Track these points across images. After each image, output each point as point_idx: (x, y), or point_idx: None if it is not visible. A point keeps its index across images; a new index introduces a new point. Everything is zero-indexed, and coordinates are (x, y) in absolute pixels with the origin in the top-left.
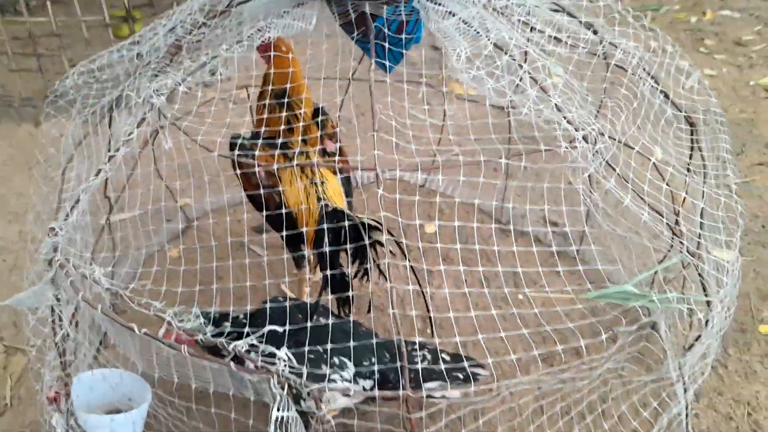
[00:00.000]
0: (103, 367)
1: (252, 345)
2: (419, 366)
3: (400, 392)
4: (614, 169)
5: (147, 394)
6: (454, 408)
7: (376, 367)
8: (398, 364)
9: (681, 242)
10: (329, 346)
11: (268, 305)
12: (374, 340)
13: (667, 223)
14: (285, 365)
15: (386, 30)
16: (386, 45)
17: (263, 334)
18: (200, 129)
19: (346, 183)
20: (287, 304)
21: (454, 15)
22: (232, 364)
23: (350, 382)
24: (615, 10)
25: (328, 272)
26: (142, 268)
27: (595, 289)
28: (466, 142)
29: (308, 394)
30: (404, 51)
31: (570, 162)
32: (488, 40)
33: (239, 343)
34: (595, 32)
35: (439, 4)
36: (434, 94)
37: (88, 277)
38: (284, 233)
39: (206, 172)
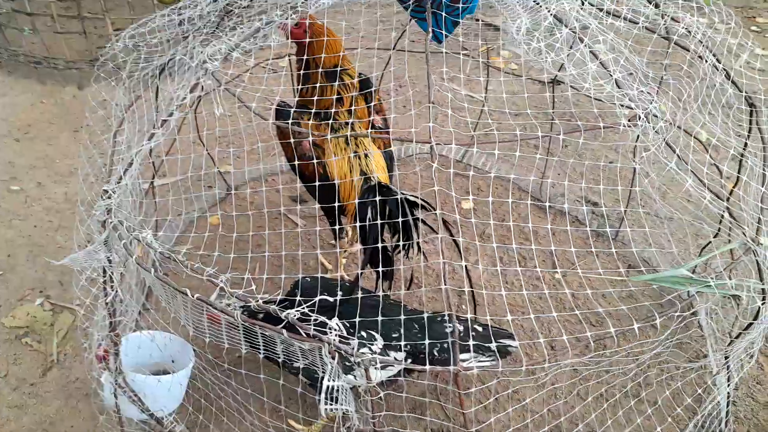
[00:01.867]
0: (144, 328)
1: (303, 314)
2: (471, 340)
3: (451, 368)
4: (674, 150)
5: (190, 356)
6: (491, 388)
7: (427, 342)
8: (449, 339)
9: (742, 228)
10: (386, 318)
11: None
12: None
13: (728, 207)
14: (336, 334)
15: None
16: (443, 14)
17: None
18: (246, 95)
19: (388, 157)
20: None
21: None
22: (284, 331)
23: (381, 354)
24: None
25: (371, 246)
26: (184, 233)
27: (634, 272)
28: (507, 116)
29: (358, 364)
30: (460, 21)
31: (631, 140)
32: (548, 11)
33: (291, 311)
34: (656, 5)
35: None
36: (474, 67)
37: (141, 240)
38: (326, 204)
39: (247, 140)
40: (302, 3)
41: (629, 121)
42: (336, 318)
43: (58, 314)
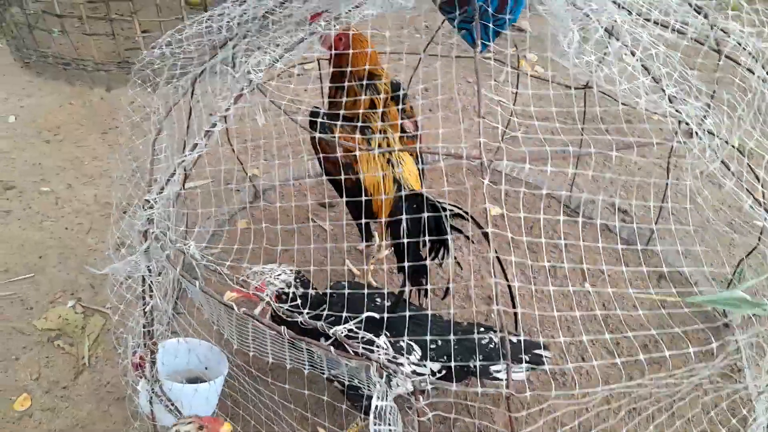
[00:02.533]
0: (177, 332)
1: (350, 330)
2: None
3: (504, 391)
4: (729, 168)
5: (224, 364)
6: (523, 400)
7: (478, 360)
8: (503, 362)
9: None
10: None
11: (346, 290)
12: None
13: None
14: (384, 353)
15: (490, 8)
16: (490, 25)
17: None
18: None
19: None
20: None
21: None
22: (332, 349)
23: (417, 365)
24: None
25: (410, 264)
26: (213, 237)
27: (682, 291)
28: (535, 122)
29: (409, 383)
30: (504, 31)
31: (688, 158)
32: (599, 24)
33: (339, 328)
34: (705, 16)
35: None
36: (501, 71)
37: (185, 252)
38: (357, 211)
39: (275, 144)
40: (346, 14)
41: (683, 136)
42: (383, 336)
43: (90, 317)
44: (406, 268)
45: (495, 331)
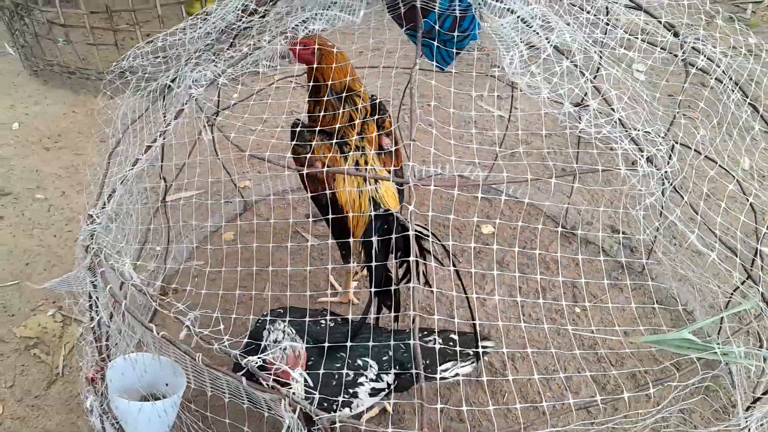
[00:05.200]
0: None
1: (264, 362)
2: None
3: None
4: (683, 197)
5: (182, 382)
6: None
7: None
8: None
9: (757, 287)
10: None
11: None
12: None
13: (742, 264)
14: (297, 387)
15: (437, 27)
16: (435, 44)
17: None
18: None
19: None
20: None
21: (512, 12)
22: (243, 379)
23: (375, 380)
24: (702, 9)
25: (380, 288)
26: (198, 250)
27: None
28: (532, 136)
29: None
30: (458, 51)
31: (630, 187)
32: (548, 42)
33: (252, 358)
34: (676, 34)
35: (500, 0)
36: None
37: (115, 270)
38: (334, 227)
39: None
40: (291, 29)
41: (632, 164)
42: (300, 369)
43: (68, 326)
44: (371, 290)
45: (439, 333)
